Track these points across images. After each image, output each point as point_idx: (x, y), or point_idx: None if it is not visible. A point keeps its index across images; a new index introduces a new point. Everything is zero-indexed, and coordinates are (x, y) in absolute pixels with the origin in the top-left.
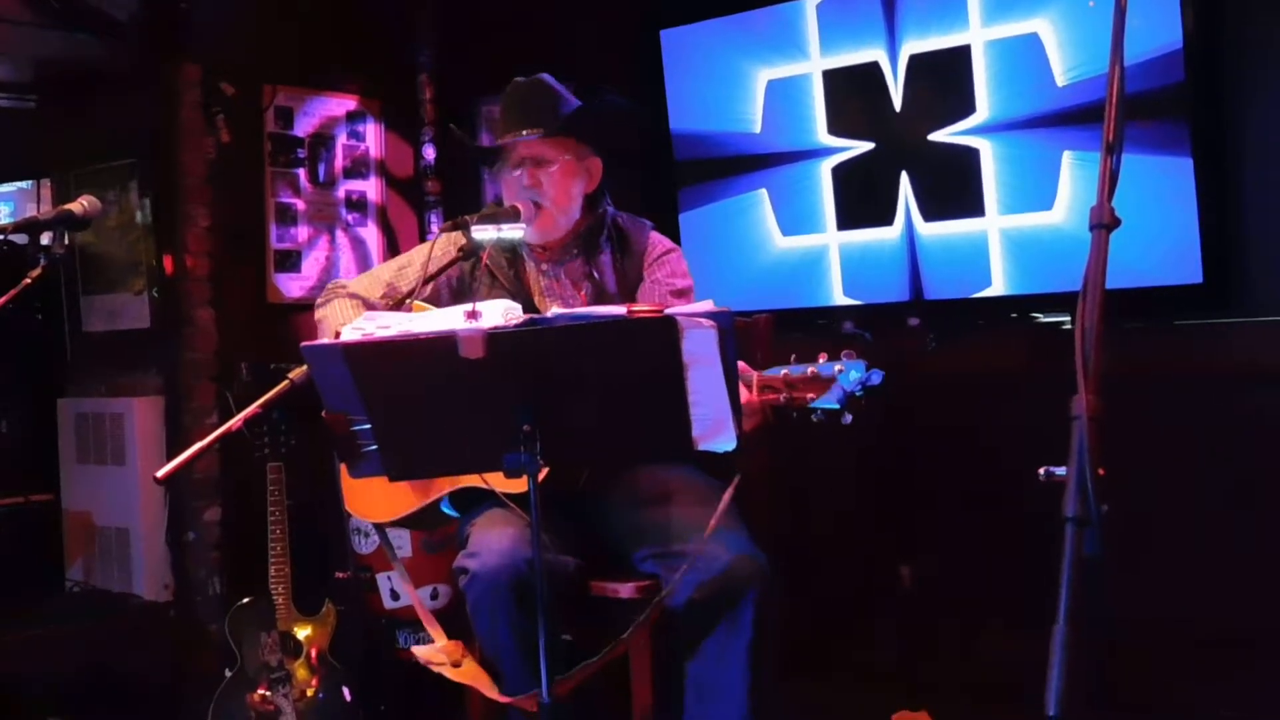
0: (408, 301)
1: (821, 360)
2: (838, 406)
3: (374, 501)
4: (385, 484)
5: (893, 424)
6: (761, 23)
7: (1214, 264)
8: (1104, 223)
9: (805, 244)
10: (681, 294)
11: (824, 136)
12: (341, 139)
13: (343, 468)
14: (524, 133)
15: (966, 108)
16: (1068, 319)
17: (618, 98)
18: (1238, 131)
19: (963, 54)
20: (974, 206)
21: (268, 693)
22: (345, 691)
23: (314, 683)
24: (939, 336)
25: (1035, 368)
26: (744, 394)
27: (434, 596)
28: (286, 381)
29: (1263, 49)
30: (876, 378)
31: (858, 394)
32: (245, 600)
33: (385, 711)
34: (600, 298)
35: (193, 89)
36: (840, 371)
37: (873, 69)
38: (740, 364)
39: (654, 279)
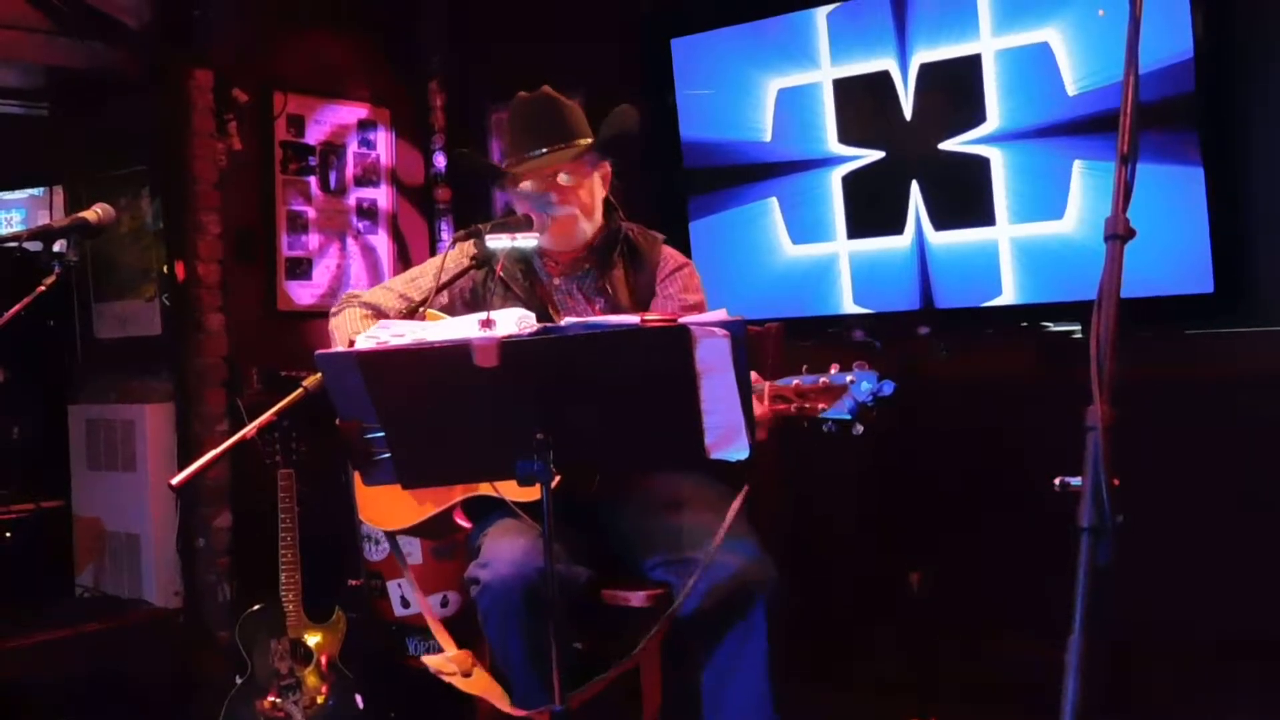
0: (421, 310)
1: (833, 370)
2: (849, 417)
3: (386, 509)
4: (398, 492)
5: (903, 432)
6: (772, 31)
7: (1225, 273)
8: (1119, 234)
9: (815, 252)
10: (692, 310)
11: (834, 145)
12: (353, 147)
13: (357, 476)
14: (544, 150)
15: (977, 117)
16: (1078, 328)
17: (627, 108)
18: (1248, 140)
19: (973, 63)
20: (984, 215)
21: (278, 700)
22: (356, 699)
23: (324, 690)
24: (949, 345)
25: (1045, 377)
26: (756, 406)
27: (444, 604)
28: (301, 389)
29: (1273, 58)
30: (888, 388)
31: (869, 405)
32: (255, 607)
33: (395, 718)
34: (614, 312)
35: (204, 96)
36: (852, 382)
37: (883, 78)
38: (751, 374)
39: (666, 294)
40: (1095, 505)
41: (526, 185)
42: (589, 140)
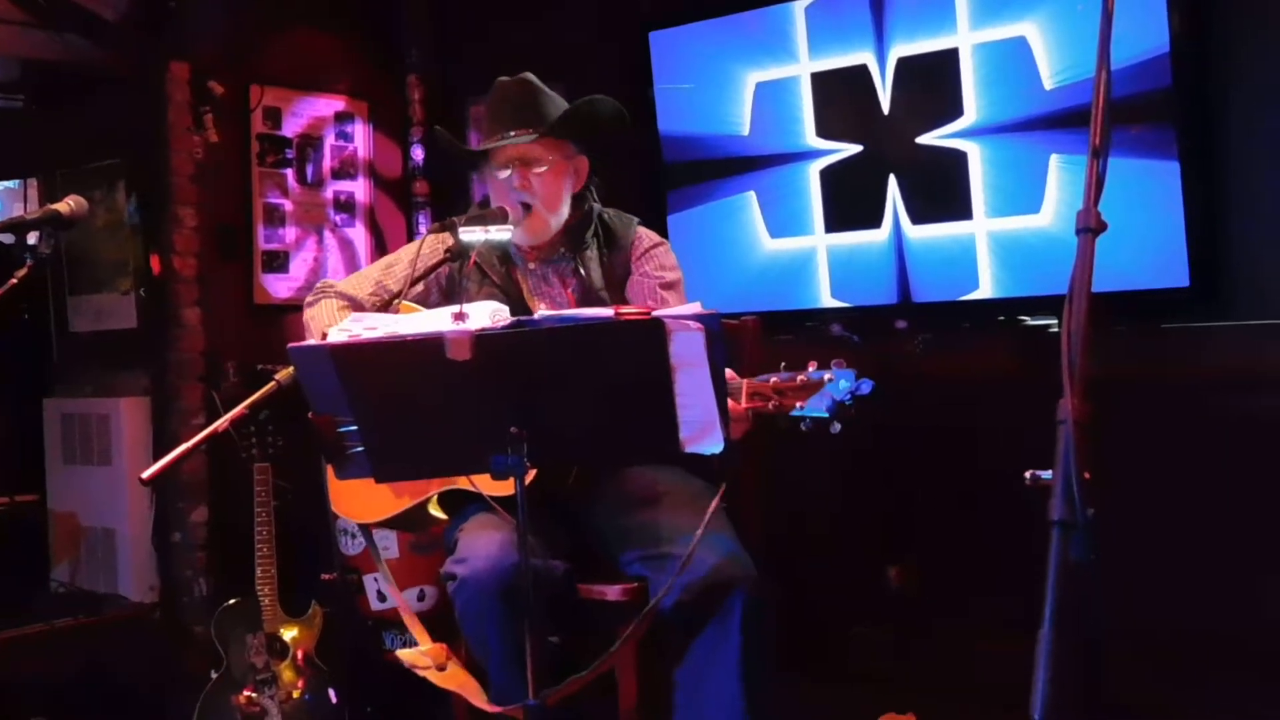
0: (395, 302)
1: (811, 368)
2: (827, 415)
3: (361, 502)
4: (372, 485)
5: (880, 426)
6: (750, 25)
7: (1201, 267)
8: (1090, 227)
9: (793, 246)
10: (670, 286)
11: (812, 139)
12: (330, 140)
13: (330, 469)
14: (512, 134)
15: (954, 111)
16: (1055, 322)
17: (604, 98)
18: (1224, 135)
19: (951, 57)
20: (962, 209)
21: (254, 694)
22: (331, 693)
23: (300, 684)
24: (926, 339)
25: (1022, 370)
26: (730, 401)
27: (421, 598)
28: (273, 383)
29: (1248, 53)
30: (866, 387)
31: (847, 403)
32: (231, 601)
33: (371, 713)
34: (587, 294)
35: (181, 89)
36: (830, 380)
37: (861, 72)
38: (727, 371)
39: (642, 272)
40: (1066, 499)
41: (495, 173)
42: (558, 125)
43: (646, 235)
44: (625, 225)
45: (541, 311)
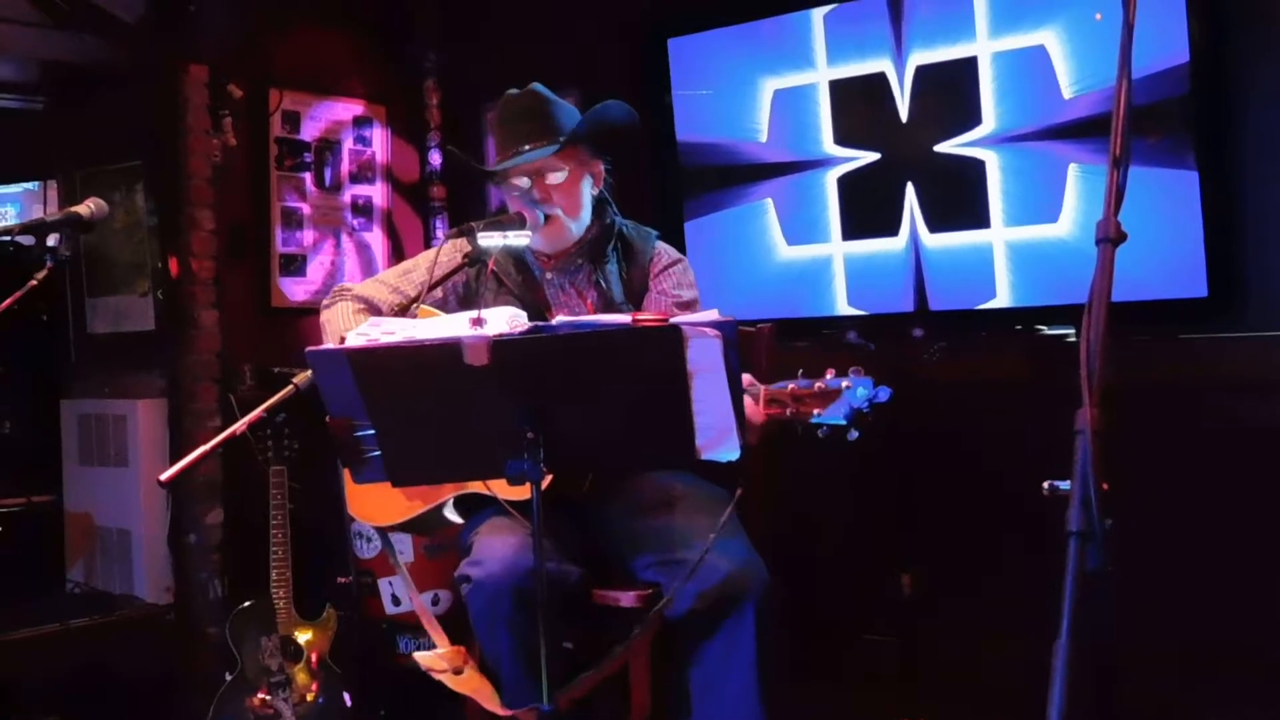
0: (413, 307)
1: (829, 375)
2: (844, 423)
3: (377, 505)
4: (388, 488)
5: (895, 434)
6: (769, 32)
7: (1219, 278)
8: (1110, 237)
9: (810, 254)
10: (686, 306)
11: (830, 146)
12: (348, 143)
13: (346, 471)
14: (526, 148)
15: (973, 119)
16: (1072, 331)
17: (615, 102)
18: (1243, 145)
19: (969, 65)
20: (979, 218)
21: (267, 696)
22: (345, 696)
23: (314, 687)
24: (942, 347)
25: (1038, 380)
26: (750, 406)
27: (435, 602)
28: (291, 386)
29: (1268, 63)
30: (884, 394)
31: (865, 411)
32: (246, 603)
33: (385, 716)
34: (608, 306)
35: (199, 91)
36: (848, 387)
37: (879, 80)
38: (746, 377)
39: (660, 289)
40: (1083, 509)
41: (512, 182)
42: (573, 135)
43: (666, 251)
44: (644, 239)
45: (559, 318)
